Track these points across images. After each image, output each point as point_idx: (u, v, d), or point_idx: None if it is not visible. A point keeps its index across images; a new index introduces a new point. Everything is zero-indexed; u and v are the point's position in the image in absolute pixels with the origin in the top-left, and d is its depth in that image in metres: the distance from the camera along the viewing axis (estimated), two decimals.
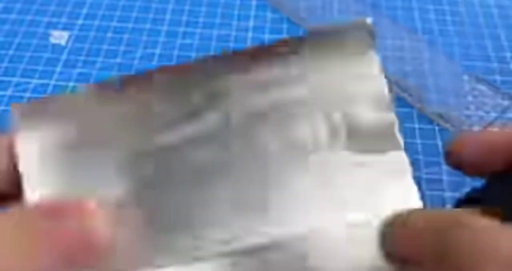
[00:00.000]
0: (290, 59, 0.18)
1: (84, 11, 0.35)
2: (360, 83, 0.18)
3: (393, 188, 0.17)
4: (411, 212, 0.15)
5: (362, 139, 0.17)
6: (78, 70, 0.32)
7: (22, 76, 0.31)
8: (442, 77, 0.32)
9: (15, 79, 0.31)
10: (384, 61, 0.34)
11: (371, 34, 0.18)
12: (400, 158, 0.17)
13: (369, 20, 0.18)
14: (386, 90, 0.18)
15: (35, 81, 0.31)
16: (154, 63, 0.32)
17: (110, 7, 0.36)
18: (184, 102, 0.18)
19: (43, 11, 0.35)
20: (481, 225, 0.13)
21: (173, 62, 0.32)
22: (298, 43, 0.18)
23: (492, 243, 0.12)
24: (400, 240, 0.15)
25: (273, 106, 0.18)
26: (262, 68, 0.18)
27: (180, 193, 0.17)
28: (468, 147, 0.16)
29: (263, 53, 0.18)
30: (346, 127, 0.17)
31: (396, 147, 0.17)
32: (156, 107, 0.18)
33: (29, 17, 0.35)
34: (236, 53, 0.18)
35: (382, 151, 0.17)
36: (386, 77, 0.18)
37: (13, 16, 0.35)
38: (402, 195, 0.16)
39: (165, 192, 0.17)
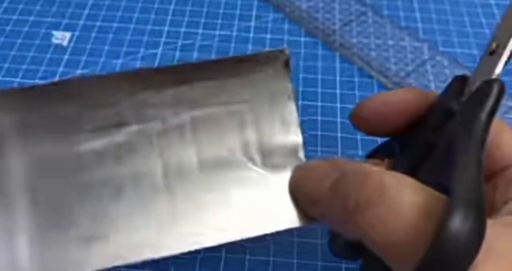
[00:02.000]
0: (215, 79, 0.19)
1: (86, 11, 0.35)
2: (273, 107, 0.19)
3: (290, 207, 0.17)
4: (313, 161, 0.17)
5: (270, 158, 0.18)
6: (80, 71, 0.32)
7: (24, 76, 0.31)
8: (444, 78, 0.32)
9: (17, 80, 0.31)
10: (385, 62, 0.34)
11: (287, 62, 0.20)
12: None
13: (286, 50, 0.20)
14: (295, 114, 0.19)
15: (37, 81, 0.31)
16: (156, 63, 0.32)
17: (111, 8, 0.36)
18: (112, 110, 0.18)
19: (45, 12, 0.35)
20: (370, 171, 0.14)
21: (175, 63, 0.32)
22: (220, 65, 0.19)
23: (376, 184, 0.13)
24: (303, 177, 0.17)
25: (193, 121, 0.18)
26: (190, 84, 0.19)
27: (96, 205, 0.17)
28: (365, 108, 0.17)
29: (195, 69, 0.19)
30: (258, 144, 0.18)
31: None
32: (80, 113, 0.18)
33: (31, 18, 0.35)
34: (173, 67, 0.19)
35: (287, 169, 0.18)
36: (296, 103, 0.19)
37: (15, 16, 0.35)
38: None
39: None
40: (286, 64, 0.20)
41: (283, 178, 0.18)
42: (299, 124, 0.19)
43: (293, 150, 0.18)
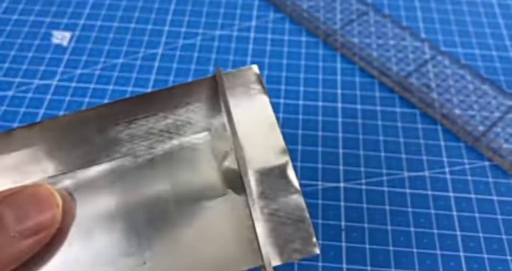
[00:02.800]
0: (189, 104, 0.19)
1: (86, 11, 0.35)
2: (255, 129, 0.18)
3: (292, 235, 0.16)
4: None
5: (260, 185, 0.17)
6: (80, 71, 0.32)
7: (24, 76, 0.31)
8: (445, 77, 0.32)
9: (17, 80, 0.31)
10: (387, 62, 0.34)
11: (260, 80, 0.19)
12: (297, 203, 0.16)
13: (255, 68, 0.19)
14: (279, 132, 0.18)
15: (37, 81, 0.31)
16: (156, 63, 0.32)
17: (112, 7, 0.36)
18: (82, 148, 0.18)
19: (45, 12, 0.35)
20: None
21: (175, 63, 0.32)
22: (194, 88, 0.19)
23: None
24: None
25: (166, 153, 0.18)
26: (161, 113, 0.18)
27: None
28: None
29: (163, 97, 0.19)
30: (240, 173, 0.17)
31: (294, 192, 0.17)
32: (51, 153, 0.17)
33: (31, 18, 0.35)
34: (140, 98, 0.18)
35: (279, 197, 0.17)
36: (277, 118, 0.18)
37: (15, 16, 0.35)
38: (302, 241, 0.16)
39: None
40: (258, 80, 0.19)
41: (271, 207, 0.16)
42: (284, 144, 0.18)
43: (281, 174, 0.17)
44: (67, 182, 0.17)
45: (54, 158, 0.17)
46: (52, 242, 0.16)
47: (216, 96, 0.19)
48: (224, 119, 0.18)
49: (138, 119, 0.18)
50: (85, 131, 0.18)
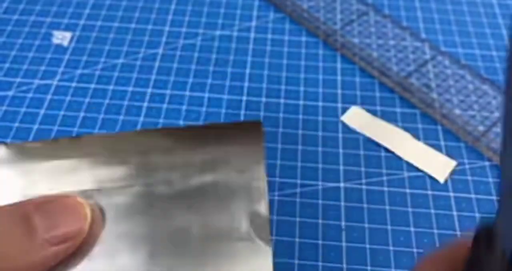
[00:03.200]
0: (227, 145, 0.19)
1: (87, 11, 0.35)
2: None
3: None
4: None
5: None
6: (80, 71, 0.32)
7: (25, 76, 0.31)
8: (445, 77, 0.32)
9: (17, 80, 0.31)
10: (387, 62, 0.34)
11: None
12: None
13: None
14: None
15: (37, 81, 0.31)
16: (157, 63, 0.32)
17: (112, 8, 0.36)
18: (120, 168, 0.18)
19: (45, 12, 0.35)
20: None
21: (175, 63, 0.32)
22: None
23: None
24: None
25: (201, 186, 0.18)
26: (199, 148, 0.19)
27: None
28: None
29: (204, 134, 0.19)
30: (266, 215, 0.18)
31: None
32: (89, 170, 0.18)
33: (32, 18, 0.35)
34: (173, 130, 0.19)
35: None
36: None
37: (15, 16, 0.35)
38: None
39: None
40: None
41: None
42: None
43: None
44: (100, 198, 0.17)
45: (92, 174, 0.18)
46: (73, 254, 0.16)
47: (253, 143, 0.19)
48: (261, 166, 0.19)
49: (177, 149, 0.19)
50: (126, 152, 0.18)
